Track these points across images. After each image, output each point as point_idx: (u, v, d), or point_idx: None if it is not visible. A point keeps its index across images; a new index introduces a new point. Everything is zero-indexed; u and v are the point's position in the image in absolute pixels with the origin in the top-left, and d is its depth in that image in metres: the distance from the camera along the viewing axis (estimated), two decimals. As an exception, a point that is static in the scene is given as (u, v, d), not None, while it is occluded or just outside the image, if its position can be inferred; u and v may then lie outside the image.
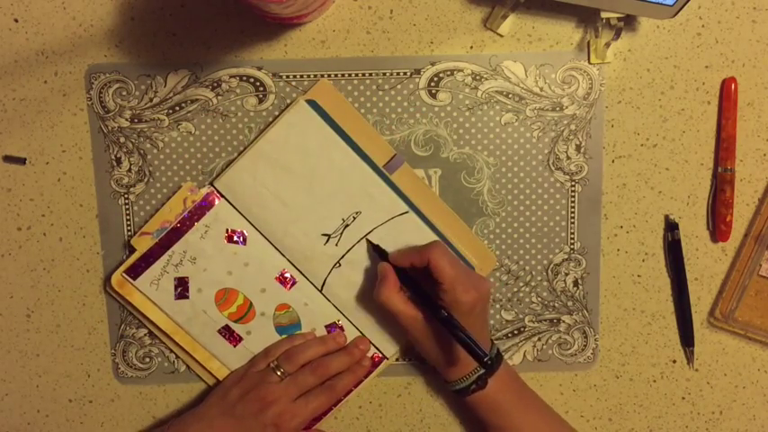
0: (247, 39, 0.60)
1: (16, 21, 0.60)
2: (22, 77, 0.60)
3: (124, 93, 0.60)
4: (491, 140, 0.61)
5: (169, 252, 0.61)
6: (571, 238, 0.63)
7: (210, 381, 0.63)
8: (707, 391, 0.65)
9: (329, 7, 0.59)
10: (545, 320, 0.64)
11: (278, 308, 0.62)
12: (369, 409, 0.65)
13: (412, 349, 0.63)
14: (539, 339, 0.64)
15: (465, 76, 0.60)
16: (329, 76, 0.60)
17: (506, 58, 0.60)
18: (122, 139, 0.61)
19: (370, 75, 0.60)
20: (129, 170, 0.61)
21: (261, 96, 0.61)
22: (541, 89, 0.61)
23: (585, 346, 0.64)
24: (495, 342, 0.64)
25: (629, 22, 0.60)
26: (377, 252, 0.60)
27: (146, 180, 0.61)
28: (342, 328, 0.62)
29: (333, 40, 0.60)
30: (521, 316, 0.64)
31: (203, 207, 0.61)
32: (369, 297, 0.61)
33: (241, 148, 0.61)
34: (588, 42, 0.60)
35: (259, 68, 0.60)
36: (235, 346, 0.62)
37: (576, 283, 0.63)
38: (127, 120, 0.61)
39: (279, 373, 0.59)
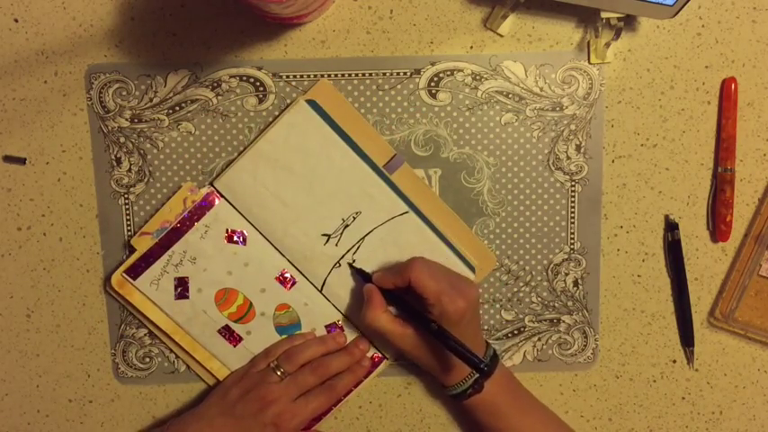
0: (247, 39, 0.60)
1: (16, 21, 0.60)
2: (22, 77, 0.60)
3: (124, 93, 0.60)
4: (491, 140, 0.61)
5: (169, 252, 0.61)
6: (571, 238, 0.63)
7: (211, 381, 0.63)
8: (707, 391, 0.65)
9: (329, 7, 0.59)
10: (545, 320, 0.64)
11: (278, 308, 0.62)
12: (369, 409, 0.65)
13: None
14: (539, 339, 0.64)
15: (465, 76, 0.60)
16: (329, 76, 0.60)
17: (506, 58, 0.60)
18: (122, 139, 0.61)
19: (370, 75, 0.60)
20: (129, 170, 0.61)
21: (261, 96, 0.61)
22: (541, 89, 0.61)
23: (585, 346, 0.64)
24: (495, 342, 0.64)
25: (629, 22, 0.60)
26: (360, 275, 0.60)
27: (146, 180, 0.61)
28: (342, 329, 0.62)
29: (333, 40, 0.60)
30: (521, 316, 0.64)
31: (203, 207, 0.61)
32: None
33: (241, 148, 0.61)
34: (588, 42, 0.60)
35: (259, 68, 0.60)
36: (235, 346, 0.62)
37: (575, 283, 0.63)
38: (127, 120, 0.61)
39: (279, 373, 0.59)
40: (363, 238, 0.61)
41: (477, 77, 0.60)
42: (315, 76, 0.60)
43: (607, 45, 0.59)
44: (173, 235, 0.61)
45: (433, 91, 0.61)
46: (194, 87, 0.60)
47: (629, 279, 0.64)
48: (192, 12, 0.60)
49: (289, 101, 0.61)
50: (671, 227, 0.62)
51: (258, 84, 0.60)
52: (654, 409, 0.65)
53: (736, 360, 0.64)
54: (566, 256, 0.63)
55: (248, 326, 0.62)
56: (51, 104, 0.61)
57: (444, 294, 0.54)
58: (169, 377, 0.64)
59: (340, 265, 0.61)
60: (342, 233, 0.61)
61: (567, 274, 0.63)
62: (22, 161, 0.61)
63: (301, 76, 0.60)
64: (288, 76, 0.60)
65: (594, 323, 0.64)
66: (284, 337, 0.62)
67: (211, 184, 0.61)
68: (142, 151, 0.61)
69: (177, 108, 0.61)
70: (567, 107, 0.61)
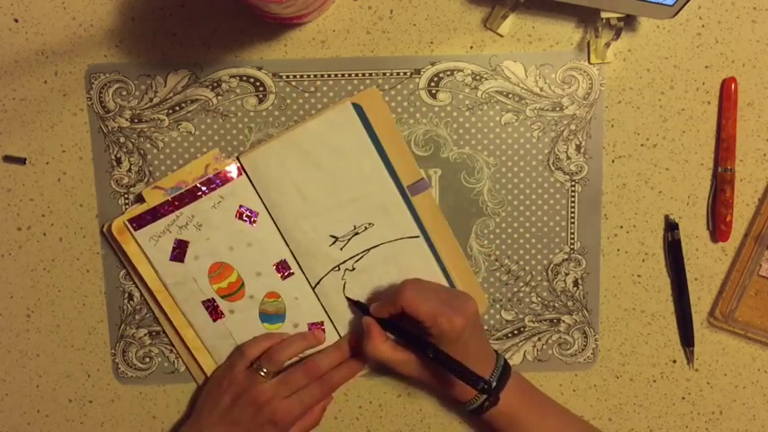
0: (247, 39, 0.60)
1: (16, 21, 0.60)
2: (22, 77, 0.60)
3: (124, 93, 0.60)
4: (491, 140, 0.61)
5: (177, 212, 0.60)
6: (571, 238, 0.63)
7: (182, 349, 0.63)
8: (707, 391, 0.65)
9: (329, 7, 0.59)
10: (545, 320, 0.64)
11: (268, 295, 0.62)
12: (369, 409, 0.65)
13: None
14: (539, 339, 0.64)
15: (465, 76, 0.60)
16: (329, 76, 0.60)
17: (506, 58, 0.60)
18: (122, 139, 0.61)
19: (370, 75, 0.60)
20: (129, 170, 0.61)
21: (261, 96, 0.61)
22: (541, 89, 0.61)
23: (585, 346, 0.64)
24: (495, 342, 0.64)
25: (629, 22, 0.60)
26: (358, 307, 0.61)
27: (146, 180, 0.61)
28: (324, 330, 0.62)
29: (333, 40, 0.60)
30: (521, 316, 0.64)
31: (223, 178, 0.60)
32: (356, 309, 0.62)
33: (241, 149, 0.61)
34: (588, 42, 0.60)
35: (259, 68, 0.60)
36: (214, 321, 0.62)
37: (576, 283, 0.63)
38: (127, 120, 0.61)
39: (262, 374, 0.59)
40: (369, 249, 0.61)
41: (477, 77, 0.60)
42: (315, 75, 0.60)
43: (607, 45, 0.59)
44: (186, 197, 0.60)
45: (433, 91, 0.61)
46: (194, 87, 0.60)
47: (629, 279, 0.64)
48: (192, 12, 0.60)
49: (288, 100, 0.61)
50: (671, 227, 0.62)
51: (258, 84, 0.60)
52: (654, 409, 0.65)
53: (736, 360, 0.64)
54: (566, 256, 0.63)
55: (234, 305, 0.62)
56: (51, 104, 0.61)
57: (439, 315, 0.54)
58: (169, 377, 0.64)
59: (339, 269, 0.61)
60: (350, 239, 0.61)
61: (567, 274, 0.63)
62: (22, 161, 0.61)
63: (301, 76, 0.60)
64: (288, 76, 0.60)
65: (594, 323, 0.64)
66: (265, 328, 0.62)
67: (238, 158, 0.61)
68: (142, 151, 0.61)
69: (177, 108, 0.61)
70: (566, 107, 0.61)
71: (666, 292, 0.64)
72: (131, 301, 0.63)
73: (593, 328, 0.64)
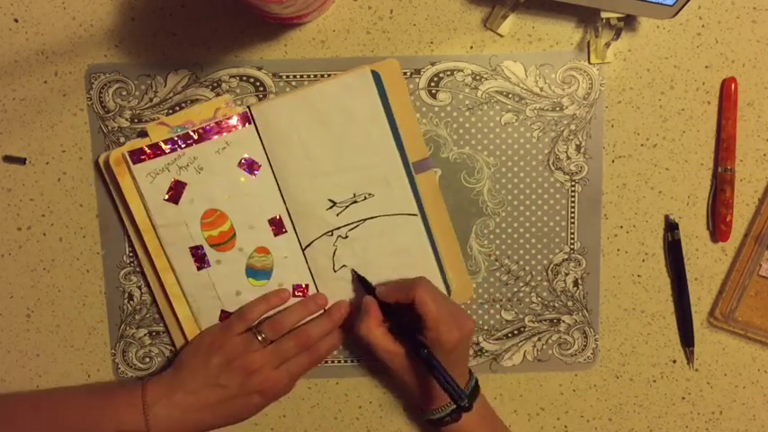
0: (247, 39, 0.60)
1: (16, 21, 0.60)
2: (22, 77, 0.60)
3: (124, 93, 0.60)
4: (491, 140, 0.61)
5: (180, 152, 0.59)
6: (571, 238, 0.63)
7: (159, 296, 0.62)
8: (707, 391, 0.65)
9: (329, 7, 0.59)
10: (545, 320, 0.64)
11: (258, 249, 0.61)
12: (369, 410, 0.65)
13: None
14: (539, 339, 0.64)
15: (465, 76, 0.60)
16: (329, 76, 0.60)
17: (506, 58, 0.60)
18: (122, 139, 0.61)
19: (370, 75, 0.60)
20: (129, 170, 0.61)
21: (261, 96, 0.61)
22: (541, 89, 0.61)
23: (585, 346, 0.64)
24: (495, 342, 0.64)
25: (629, 22, 0.60)
26: (363, 285, 0.60)
27: (146, 180, 0.61)
28: (305, 292, 0.62)
29: (333, 40, 0.60)
30: (521, 316, 0.64)
31: (231, 125, 0.59)
32: (343, 276, 0.61)
33: (241, 148, 0.61)
34: (588, 42, 0.60)
35: (259, 68, 0.60)
36: (198, 270, 0.60)
37: (576, 283, 0.63)
38: (127, 120, 0.61)
39: (260, 339, 0.59)
40: (365, 220, 0.61)
41: (477, 77, 0.60)
42: (315, 76, 0.60)
43: (607, 45, 0.59)
44: (190, 137, 0.59)
45: (433, 91, 0.61)
46: (194, 87, 0.60)
47: (629, 279, 0.64)
48: (192, 12, 0.60)
49: (289, 101, 0.61)
50: (671, 227, 0.62)
51: (258, 84, 0.60)
52: (654, 409, 0.65)
53: (736, 360, 0.64)
54: (566, 256, 0.63)
55: (222, 255, 0.60)
56: (51, 104, 0.61)
57: (443, 322, 0.54)
58: (169, 377, 0.64)
59: (332, 235, 0.61)
60: (347, 206, 0.61)
61: (567, 274, 0.63)
62: (22, 161, 0.61)
63: (301, 76, 0.60)
64: (288, 76, 0.60)
65: (594, 323, 0.64)
66: (249, 283, 0.61)
67: (249, 107, 0.60)
68: (142, 151, 0.61)
69: (177, 108, 0.60)
70: (567, 107, 0.61)
71: (666, 292, 0.64)
72: (131, 301, 0.63)
73: (593, 328, 0.64)
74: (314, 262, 0.62)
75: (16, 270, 0.63)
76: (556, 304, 0.63)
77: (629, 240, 0.63)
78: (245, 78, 0.60)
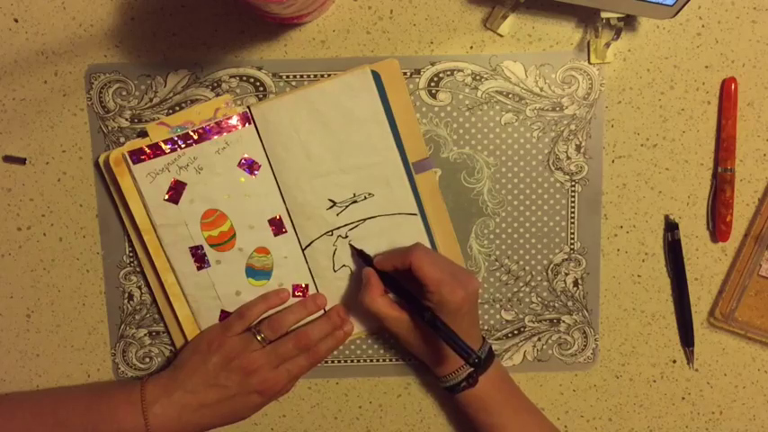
0: (247, 39, 0.60)
1: (16, 21, 0.60)
2: (22, 77, 0.60)
3: (124, 93, 0.60)
4: (491, 140, 0.61)
5: (180, 152, 0.59)
6: (571, 238, 0.63)
7: (160, 297, 0.62)
8: (707, 391, 0.65)
9: (329, 7, 0.59)
10: (545, 320, 0.64)
11: (258, 249, 0.61)
12: (369, 409, 0.65)
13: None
14: (539, 339, 0.64)
15: (465, 76, 0.60)
16: (329, 76, 0.60)
17: (506, 58, 0.60)
18: (122, 140, 0.61)
19: (370, 75, 0.60)
20: (129, 170, 0.61)
21: (261, 96, 0.61)
22: (541, 89, 0.61)
23: (585, 346, 0.64)
24: (495, 342, 0.64)
25: (629, 22, 0.60)
26: (361, 257, 0.60)
27: (146, 180, 0.61)
28: (305, 293, 0.62)
29: (333, 40, 0.60)
30: (521, 316, 0.64)
31: (231, 124, 0.59)
32: (343, 276, 0.61)
33: (241, 148, 0.61)
34: (588, 42, 0.60)
35: (259, 68, 0.60)
36: (198, 270, 0.61)
37: (576, 283, 0.63)
38: (127, 120, 0.61)
39: (259, 339, 0.59)
40: (365, 219, 0.61)
41: (477, 77, 0.60)
42: (315, 76, 0.60)
43: (607, 45, 0.59)
44: (190, 137, 0.59)
45: (433, 91, 0.61)
46: (194, 87, 0.60)
47: (629, 279, 0.64)
48: (192, 12, 0.60)
49: (289, 101, 0.61)
50: (671, 227, 0.62)
51: (258, 84, 0.60)
52: (654, 409, 0.65)
53: (736, 360, 0.64)
54: (566, 256, 0.63)
55: (222, 255, 0.61)
56: (51, 104, 0.61)
57: (444, 284, 0.54)
58: (169, 377, 0.64)
59: (332, 234, 0.61)
60: (347, 206, 0.61)
61: (567, 274, 0.63)
62: (22, 161, 0.61)
63: (301, 76, 0.60)
64: (288, 76, 0.60)
65: (594, 323, 0.64)
66: (249, 283, 0.61)
67: (249, 107, 0.60)
68: (142, 151, 0.61)
69: (177, 108, 0.60)
70: (567, 107, 0.61)
71: (666, 292, 0.64)
72: (131, 301, 0.63)
73: (593, 328, 0.64)
74: (314, 262, 0.62)
75: (16, 270, 0.63)
76: (556, 304, 0.63)
77: (629, 240, 0.63)
78: (245, 78, 0.60)
